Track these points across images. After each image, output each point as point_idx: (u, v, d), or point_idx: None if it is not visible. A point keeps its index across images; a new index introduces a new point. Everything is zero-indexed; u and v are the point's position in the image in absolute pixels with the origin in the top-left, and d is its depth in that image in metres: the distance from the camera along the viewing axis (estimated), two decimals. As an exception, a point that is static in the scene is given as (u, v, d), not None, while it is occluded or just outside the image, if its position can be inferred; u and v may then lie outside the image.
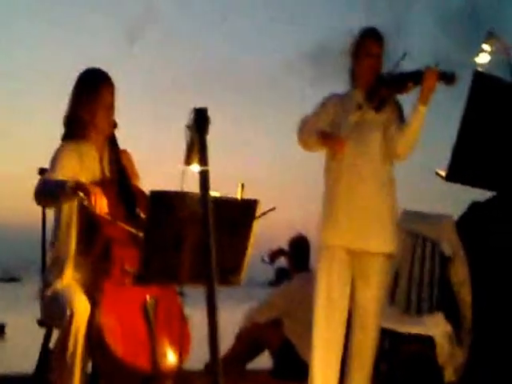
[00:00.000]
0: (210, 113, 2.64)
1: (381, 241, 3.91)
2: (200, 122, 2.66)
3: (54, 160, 3.54)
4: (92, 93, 3.59)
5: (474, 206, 5.27)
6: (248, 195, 2.93)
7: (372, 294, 3.92)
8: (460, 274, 5.12)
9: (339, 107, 3.95)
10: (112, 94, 3.63)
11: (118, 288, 3.36)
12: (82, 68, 3.72)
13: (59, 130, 3.67)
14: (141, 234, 3.24)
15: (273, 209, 3.00)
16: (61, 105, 3.62)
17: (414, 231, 5.29)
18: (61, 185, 3.33)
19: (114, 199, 3.44)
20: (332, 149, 3.86)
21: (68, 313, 3.26)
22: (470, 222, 5.12)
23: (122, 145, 3.71)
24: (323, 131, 3.88)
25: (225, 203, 2.87)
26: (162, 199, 2.78)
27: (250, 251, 3.01)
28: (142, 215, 3.34)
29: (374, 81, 3.84)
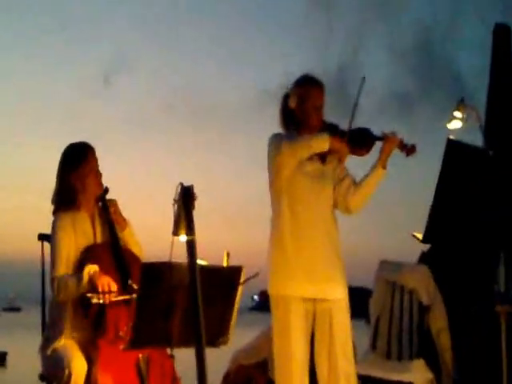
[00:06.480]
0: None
1: (341, 286, 3.81)
2: (187, 198, 2.91)
3: (53, 246, 3.76)
4: (81, 161, 3.83)
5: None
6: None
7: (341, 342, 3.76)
8: (438, 321, 5.30)
9: None
10: (96, 159, 3.89)
11: (112, 346, 3.53)
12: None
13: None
14: (133, 296, 3.45)
15: (257, 274, 3.18)
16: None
17: (392, 280, 5.49)
18: (77, 286, 3.57)
19: (107, 263, 3.68)
20: (340, 149, 3.75)
21: (66, 373, 3.47)
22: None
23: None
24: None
25: (211, 270, 3.07)
26: (152, 271, 2.98)
27: (235, 314, 3.19)
28: (133, 282, 3.58)
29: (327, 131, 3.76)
